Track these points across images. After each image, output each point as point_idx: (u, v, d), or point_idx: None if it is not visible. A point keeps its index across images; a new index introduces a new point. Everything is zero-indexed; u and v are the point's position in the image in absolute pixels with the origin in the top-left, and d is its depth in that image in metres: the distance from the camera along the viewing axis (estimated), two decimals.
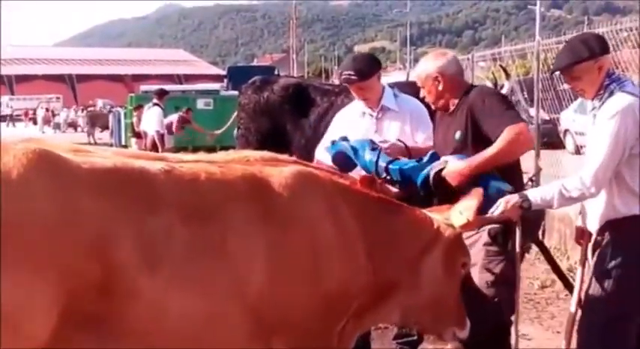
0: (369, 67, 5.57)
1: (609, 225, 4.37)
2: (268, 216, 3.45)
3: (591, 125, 4.40)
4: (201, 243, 3.21)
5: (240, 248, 3.31)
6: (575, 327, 4.62)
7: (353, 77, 5.49)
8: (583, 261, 4.67)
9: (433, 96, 5.00)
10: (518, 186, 4.68)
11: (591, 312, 4.42)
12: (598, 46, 4.28)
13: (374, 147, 5.02)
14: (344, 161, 5.06)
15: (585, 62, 4.27)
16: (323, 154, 5.55)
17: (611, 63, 4.44)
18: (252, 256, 3.34)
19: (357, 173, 4.83)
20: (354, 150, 5.04)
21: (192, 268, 3.17)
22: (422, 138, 5.54)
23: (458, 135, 4.81)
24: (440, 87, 4.93)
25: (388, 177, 4.79)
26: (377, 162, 4.83)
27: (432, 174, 4.59)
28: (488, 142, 4.63)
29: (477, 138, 4.73)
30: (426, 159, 4.75)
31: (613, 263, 4.32)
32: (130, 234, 3.01)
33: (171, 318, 3.15)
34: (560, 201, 4.26)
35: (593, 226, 4.49)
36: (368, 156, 4.96)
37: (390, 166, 4.81)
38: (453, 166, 4.55)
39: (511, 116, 4.64)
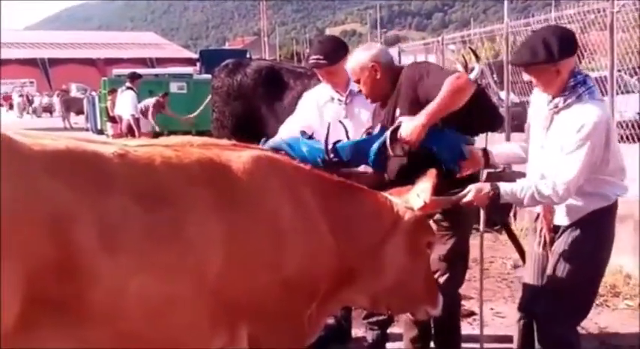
0: (337, 51, 5.51)
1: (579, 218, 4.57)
2: (227, 200, 3.46)
3: (544, 118, 4.55)
4: (158, 226, 3.22)
5: (198, 231, 3.32)
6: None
7: (321, 61, 5.44)
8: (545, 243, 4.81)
9: (369, 87, 5.01)
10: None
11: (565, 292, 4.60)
12: (559, 50, 4.31)
13: (309, 136, 5.02)
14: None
15: (541, 65, 4.37)
16: (285, 132, 5.50)
17: (575, 63, 4.49)
18: (211, 239, 3.35)
19: None
20: (289, 145, 4.98)
21: (150, 251, 3.18)
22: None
23: (398, 111, 4.84)
24: (377, 76, 4.95)
25: (336, 159, 4.74)
26: (325, 148, 4.76)
27: (388, 135, 4.58)
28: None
29: (418, 108, 4.71)
30: (375, 132, 4.78)
31: (583, 247, 4.55)
32: (87, 216, 3.01)
33: (131, 301, 3.16)
34: (529, 202, 4.41)
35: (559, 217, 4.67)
36: (311, 143, 4.91)
37: (337, 145, 4.75)
38: (409, 122, 4.55)
39: (447, 72, 4.71)
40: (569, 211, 4.57)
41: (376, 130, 4.81)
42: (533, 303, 4.80)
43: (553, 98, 4.48)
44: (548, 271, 4.67)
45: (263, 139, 5.25)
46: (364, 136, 4.98)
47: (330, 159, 4.71)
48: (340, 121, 5.27)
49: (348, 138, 5.01)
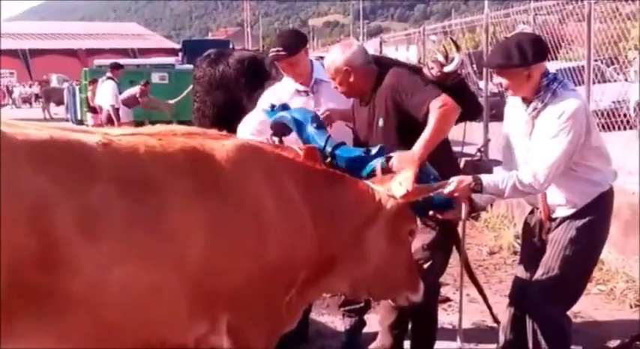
0: (295, 41, 5.52)
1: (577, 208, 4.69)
2: (210, 189, 3.46)
3: (524, 124, 4.63)
4: (140, 215, 3.22)
5: (181, 220, 3.33)
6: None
7: (281, 53, 5.42)
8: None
9: (345, 88, 5.06)
10: (454, 170, 4.84)
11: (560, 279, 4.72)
12: (532, 54, 4.41)
13: (319, 124, 4.95)
14: (282, 129, 5.07)
15: (514, 68, 4.45)
16: (244, 131, 5.50)
17: (545, 67, 4.56)
18: (194, 228, 3.36)
19: (296, 141, 4.84)
20: (298, 123, 4.95)
21: (133, 239, 3.19)
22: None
23: (381, 121, 4.92)
24: (351, 79, 4.99)
25: (333, 162, 4.71)
26: (325, 146, 4.75)
27: (378, 166, 4.57)
28: (410, 122, 4.77)
29: (399, 121, 4.85)
30: (374, 151, 4.71)
31: (580, 235, 4.68)
32: (69, 206, 3.02)
33: (112, 289, 3.16)
34: (511, 193, 4.52)
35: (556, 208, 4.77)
36: (315, 135, 4.86)
37: (337, 152, 4.75)
38: (402, 156, 4.55)
39: (430, 90, 4.73)
40: (566, 202, 4.68)
41: (374, 150, 4.70)
42: (525, 293, 4.90)
43: (529, 103, 4.56)
44: (545, 260, 4.77)
45: (277, 106, 5.18)
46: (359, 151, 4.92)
47: (326, 160, 4.69)
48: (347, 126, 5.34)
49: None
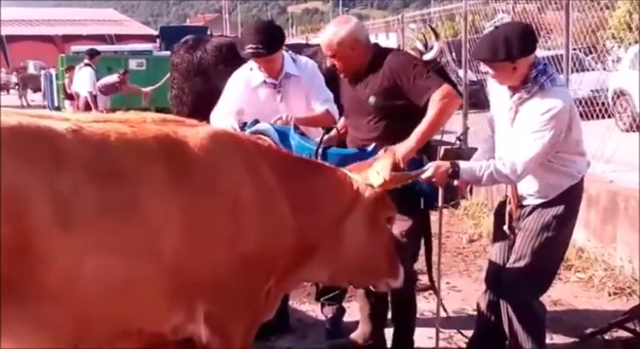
0: (277, 39, 5.45)
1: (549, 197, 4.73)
2: (183, 176, 3.43)
3: (508, 111, 4.64)
4: (113, 204, 3.18)
5: (155, 208, 3.30)
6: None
7: (262, 51, 5.33)
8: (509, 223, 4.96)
9: (346, 63, 5.00)
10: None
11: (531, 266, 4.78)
12: (519, 49, 4.41)
13: (301, 132, 5.01)
14: None
15: (499, 63, 4.45)
16: (219, 119, 5.42)
17: (535, 58, 4.56)
18: (168, 217, 3.33)
19: None
20: (280, 133, 4.94)
21: (106, 229, 3.16)
22: (319, 103, 5.57)
23: (372, 99, 4.91)
24: (354, 53, 4.94)
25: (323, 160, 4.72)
26: (317, 149, 4.78)
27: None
28: (404, 105, 4.81)
29: (393, 102, 4.85)
30: (369, 149, 4.77)
31: (551, 223, 4.73)
32: (41, 195, 2.99)
33: (86, 279, 3.14)
34: (488, 181, 4.58)
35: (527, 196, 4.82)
36: (302, 141, 4.91)
37: (329, 151, 4.79)
38: (403, 148, 4.60)
39: (432, 79, 4.74)
40: (538, 193, 4.73)
41: (370, 148, 4.80)
42: (499, 280, 4.94)
43: (515, 92, 4.58)
44: (517, 247, 4.82)
45: (250, 121, 5.21)
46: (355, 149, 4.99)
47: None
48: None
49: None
